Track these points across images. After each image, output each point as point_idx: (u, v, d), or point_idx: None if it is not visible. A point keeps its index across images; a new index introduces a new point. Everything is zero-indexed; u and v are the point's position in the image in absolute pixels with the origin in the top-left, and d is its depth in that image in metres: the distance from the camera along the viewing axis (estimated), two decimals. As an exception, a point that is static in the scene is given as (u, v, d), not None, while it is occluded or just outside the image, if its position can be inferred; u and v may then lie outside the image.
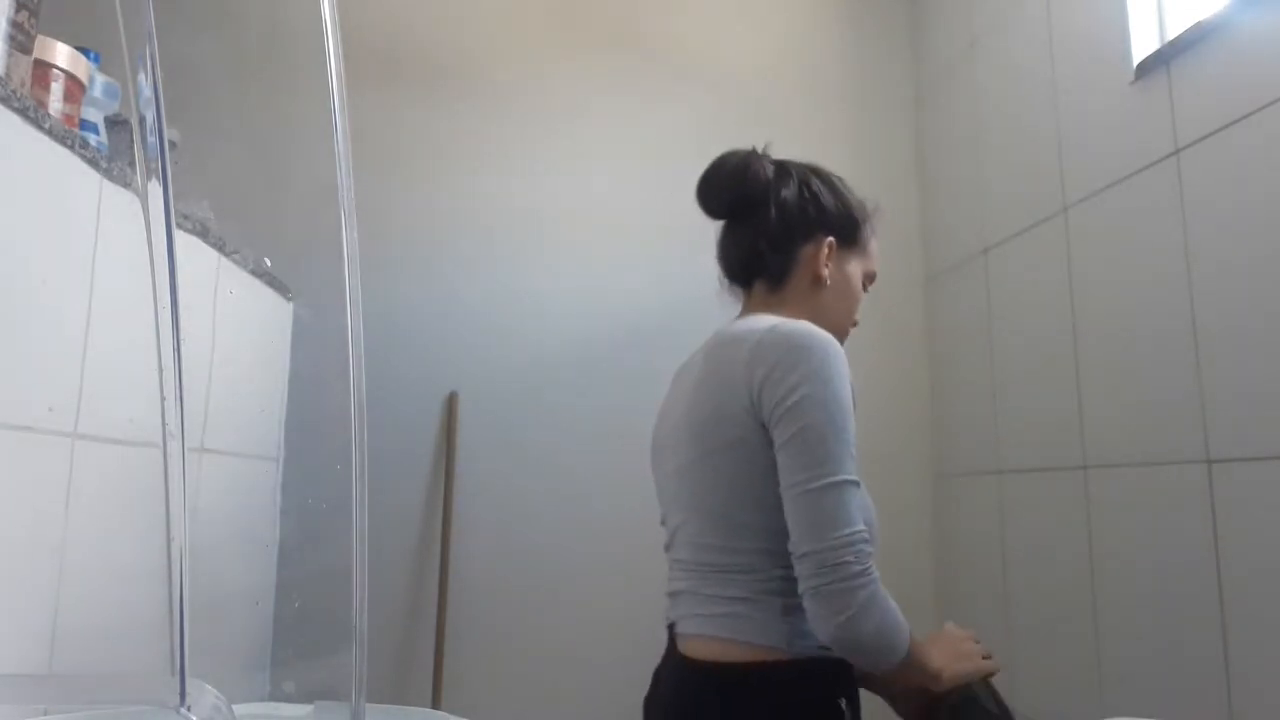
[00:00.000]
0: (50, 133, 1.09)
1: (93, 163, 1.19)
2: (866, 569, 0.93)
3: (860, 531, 0.94)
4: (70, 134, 1.15)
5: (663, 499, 1.16)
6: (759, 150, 1.17)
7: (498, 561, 2.14)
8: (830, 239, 1.14)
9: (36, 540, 1.08)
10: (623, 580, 2.12)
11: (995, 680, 1.06)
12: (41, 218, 1.09)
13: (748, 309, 1.17)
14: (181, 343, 0.76)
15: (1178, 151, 1.45)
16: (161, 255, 0.78)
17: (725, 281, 1.20)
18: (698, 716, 1.02)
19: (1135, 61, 1.57)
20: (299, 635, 1.84)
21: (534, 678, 2.10)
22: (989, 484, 2.04)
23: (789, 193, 1.14)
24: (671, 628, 1.11)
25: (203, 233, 1.56)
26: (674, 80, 2.39)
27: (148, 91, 0.80)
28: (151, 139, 0.84)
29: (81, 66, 1.30)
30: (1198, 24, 1.41)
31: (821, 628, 0.94)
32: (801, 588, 0.94)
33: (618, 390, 2.22)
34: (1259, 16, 1.30)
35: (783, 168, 1.17)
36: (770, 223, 1.13)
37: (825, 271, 1.13)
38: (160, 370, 0.83)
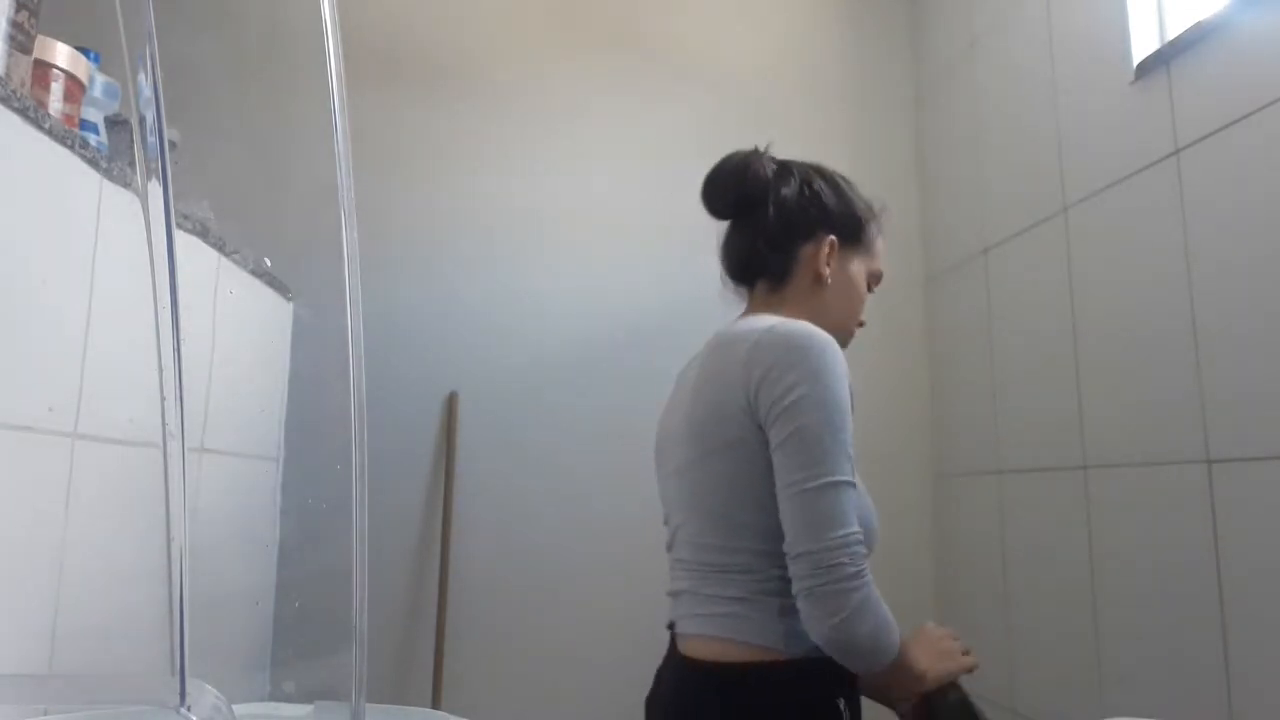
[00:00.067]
0: (50, 133, 1.09)
1: (93, 163, 1.19)
2: (861, 570, 0.92)
3: (855, 533, 0.93)
4: (70, 134, 1.15)
5: (665, 499, 1.16)
6: (761, 150, 1.17)
7: (498, 561, 2.14)
8: (832, 238, 1.13)
9: (36, 540, 1.08)
10: (623, 580, 2.12)
11: (973, 677, 1.06)
12: (41, 218, 1.09)
13: (750, 309, 1.17)
14: (181, 343, 0.75)
15: (1178, 151, 1.45)
16: (161, 255, 0.78)
17: (729, 282, 1.20)
18: (697, 716, 1.02)
19: (1135, 61, 1.57)
20: (299, 635, 1.84)
21: (534, 678, 2.10)
22: (989, 484, 2.04)
23: (789, 191, 1.14)
24: (672, 627, 1.11)
25: (203, 233, 1.56)
26: (674, 80, 2.39)
27: (148, 91, 0.80)
28: (151, 139, 0.84)
29: (81, 66, 1.30)
30: (1198, 24, 1.41)
31: (815, 629, 0.93)
32: (795, 588, 0.94)
33: (618, 390, 2.22)
34: (1259, 16, 1.30)
35: (785, 167, 1.17)
36: (769, 221, 1.14)
37: (826, 271, 1.13)
38: (160, 370, 0.83)
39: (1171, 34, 1.53)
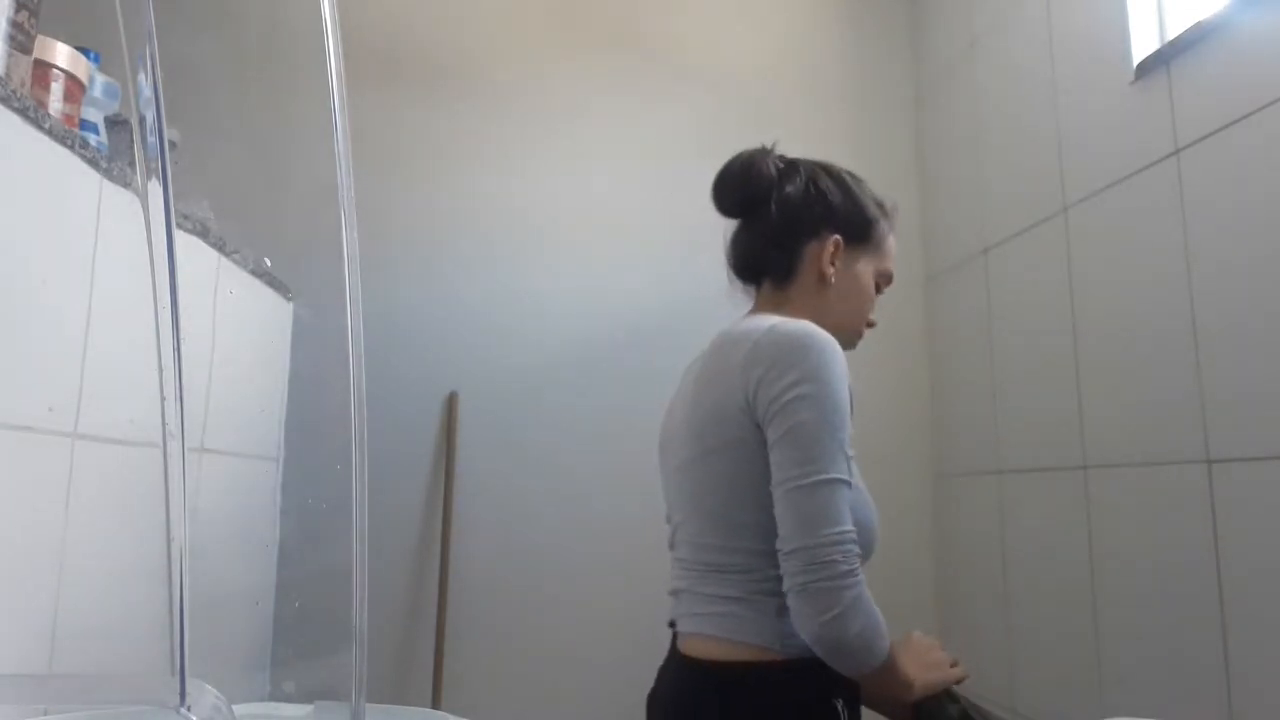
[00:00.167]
0: (50, 133, 1.09)
1: (93, 163, 1.19)
2: (854, 569, 0.92)
3: (849, 531, 0.93)
4: (70, 134, 1.15)
5: (667, 496, 1.16)
6: (768, 148, 1.17)
7: (498, 561, 2.14)
8: (837, 237, 1.13)
9: (36, 540, 1.08)
10: (623, 580, 2.12)
11: (973, 679, 1.06)
12: (41, 218, 1.09)
13: (756, 308, 1.16)
14: (181, 343, 0.75)
15: (1178, 151, 1.45)
16: (161, 255, 0.78)
17: (737, 280, 1.20)
18: (696, 715, 1.02)
19: (1135, 61, 1.57)
20: (299, 635, 1.84)
21: (534, 678, 2.10)
22: (989, 484, 2.04)
23: (793, 189, 1.13)
24: (673, 626, 1.11)
25: (203, 233, 1.56)
26: (674, 80, 2.39)
27: (148, 91, 0.80)
28: (151, 139, 0.84)
29: (81, 66, 1.30)
30: (1198, 24, 1.41)
31: (805, 626, 0.93)
32: (787, 584, 0.93)
33: (618, 390, 2.22)
34: (1259, 16, 1.30)
35: (791, 165, 1.16)
36: (773, 220, 1.13)
37: (830, 270, 1.12)
38: (160, 370, 0.83)
39: (1171, 34, 1.53)
